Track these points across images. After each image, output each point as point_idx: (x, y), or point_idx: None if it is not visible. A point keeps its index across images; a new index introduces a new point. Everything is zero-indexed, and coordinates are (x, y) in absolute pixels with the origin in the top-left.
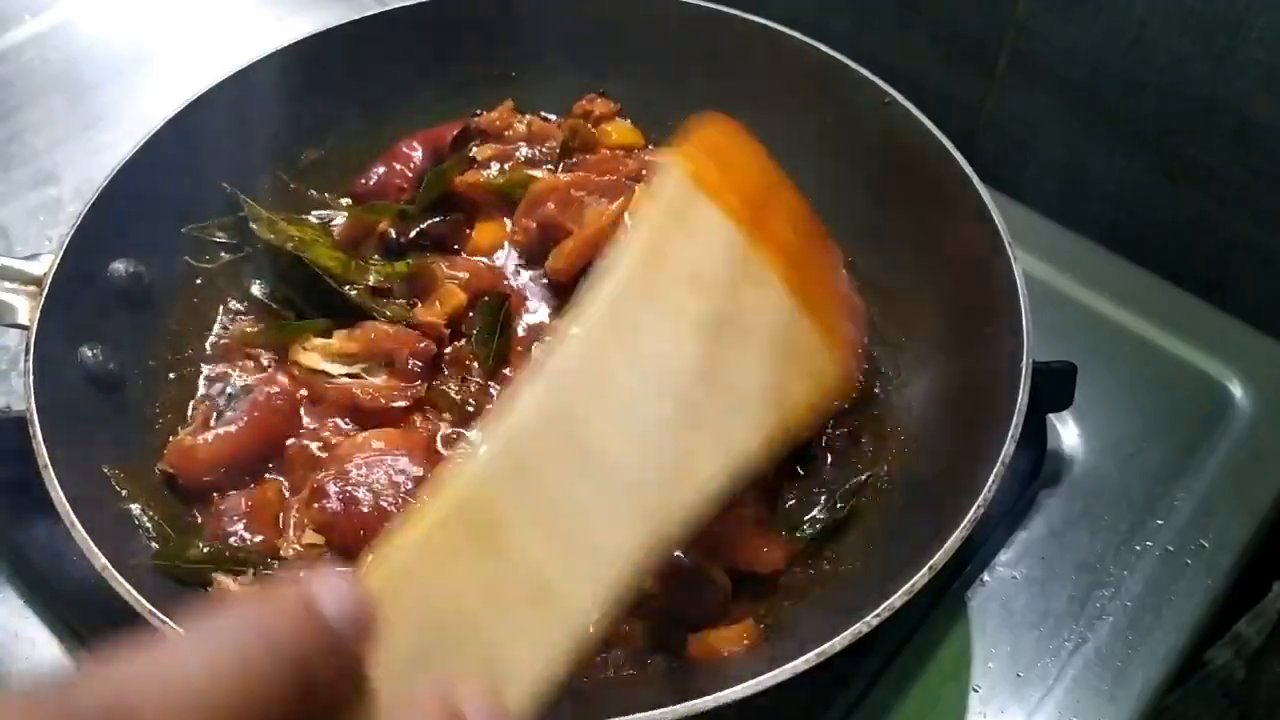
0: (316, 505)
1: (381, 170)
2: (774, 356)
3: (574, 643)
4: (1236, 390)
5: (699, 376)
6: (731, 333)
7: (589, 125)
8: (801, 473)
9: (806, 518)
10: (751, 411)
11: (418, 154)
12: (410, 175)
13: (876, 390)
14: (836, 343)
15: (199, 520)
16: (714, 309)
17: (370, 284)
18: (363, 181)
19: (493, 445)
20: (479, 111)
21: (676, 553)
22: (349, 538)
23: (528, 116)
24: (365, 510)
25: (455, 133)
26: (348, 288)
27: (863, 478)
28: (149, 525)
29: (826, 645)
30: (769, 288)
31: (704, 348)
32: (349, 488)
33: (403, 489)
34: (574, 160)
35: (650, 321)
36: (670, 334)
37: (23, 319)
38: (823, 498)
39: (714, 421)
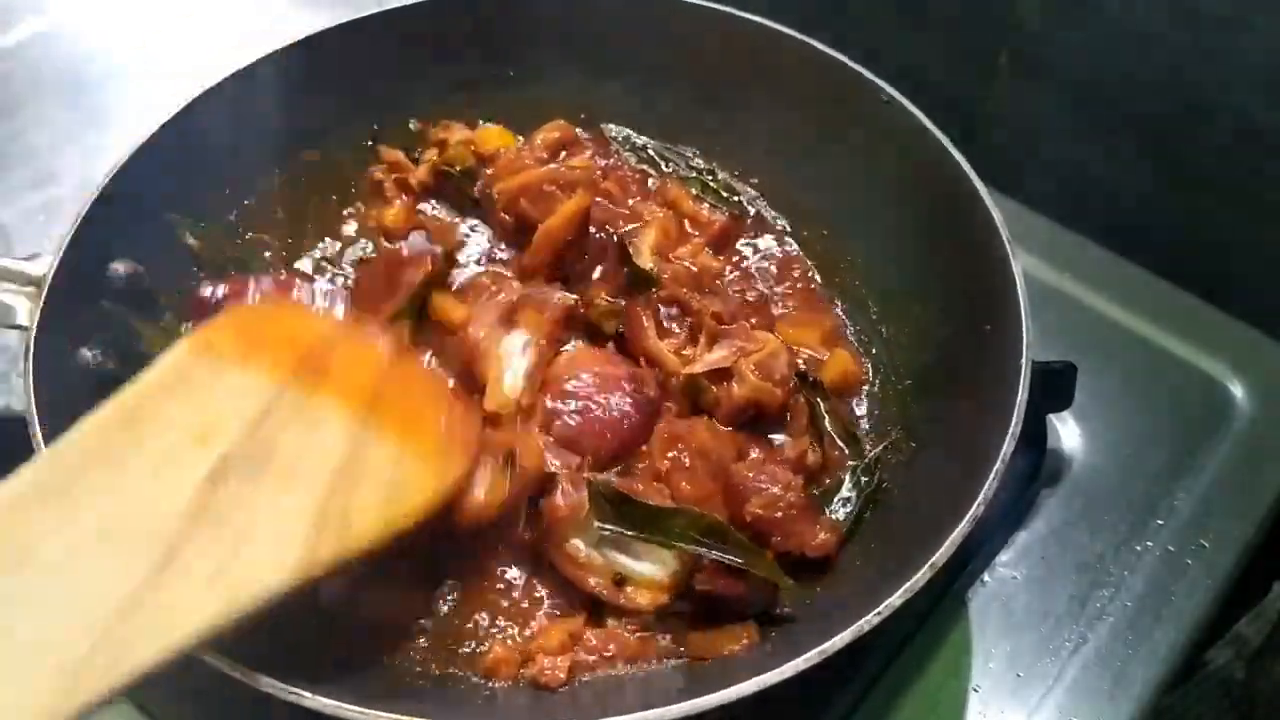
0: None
1: (228, 293)
2: (328, 485)
3: None
4: (1236, 390)
5: (195, 520)
6: (256, 474)
7: (461, 146)
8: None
9: (836, 498)
10: (282, 543)
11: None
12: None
13: (877, 389)
14: (435, 456)
15: None
16: (226, 455)
17: None
18: (204, 295)
19: None
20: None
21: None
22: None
23: (428, 154)
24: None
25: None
26: None
27: (880, 448)
28: None
29: (827, 645)
30: (324, 426)
31: (206, 495)
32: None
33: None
34: (479, 187)
35: (108, 478)
36: (146, 489)
37: (22, 320)
38: (845, 477)
39: (206, 562)
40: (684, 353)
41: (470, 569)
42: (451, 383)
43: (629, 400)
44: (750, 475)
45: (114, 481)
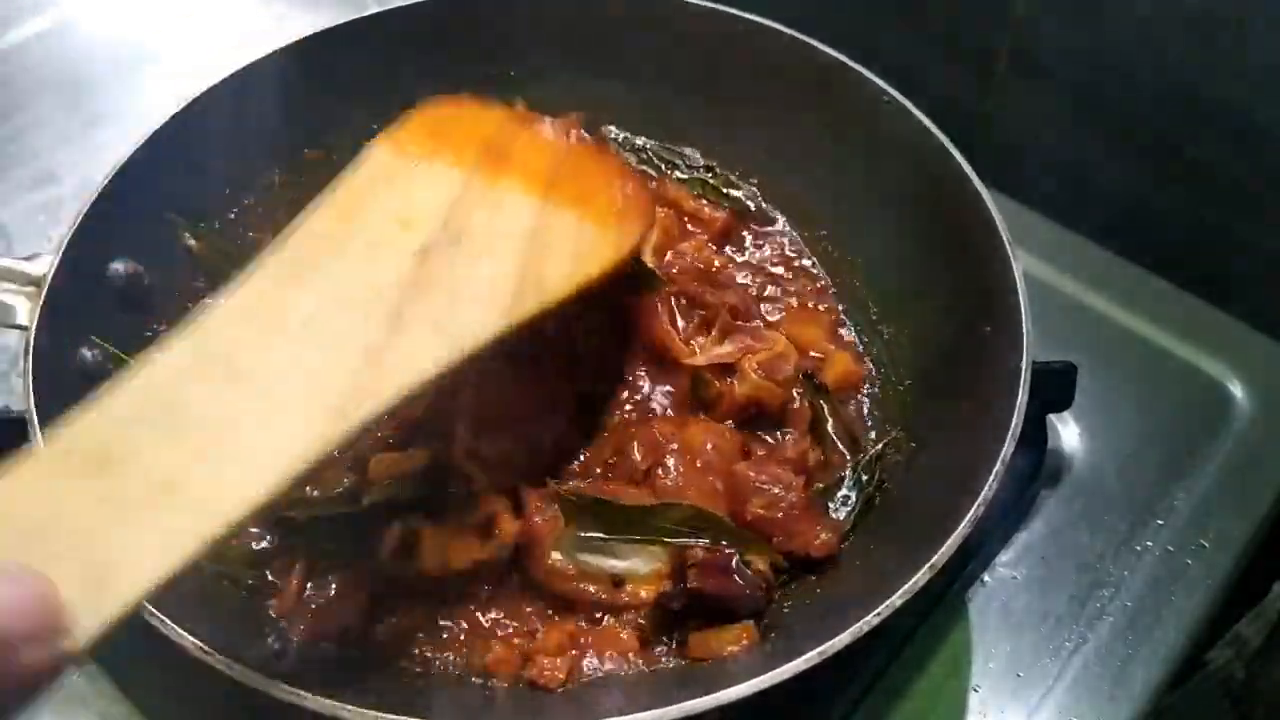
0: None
1: None
2: (521, 250)
3: (206, 533)
4: (1236, 390)
5: (413, 287)
6: (455, 245)
7: None
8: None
9: (838, 495)
10: (488, 299)
11: None
12: None
13: (877, 390)
14: (614, 218)
15: None
16: (427, 236)
17: None
18: (208, 302)
19: (123, 383)
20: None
21: (723, 544)
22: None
23: None
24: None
25: None
26: None
27: (879, 447)
28: None
29: (826, 645)
30: (509, 202)
31: (418, 268)
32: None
33: None
34: None
35: (336, 259)
36: (365, 266)
37: (22, 319)
38: (844, 476)
39: (428, 319)
40: (692, 343)
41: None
42: None
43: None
44: (752, 475)
45: (339, 261)
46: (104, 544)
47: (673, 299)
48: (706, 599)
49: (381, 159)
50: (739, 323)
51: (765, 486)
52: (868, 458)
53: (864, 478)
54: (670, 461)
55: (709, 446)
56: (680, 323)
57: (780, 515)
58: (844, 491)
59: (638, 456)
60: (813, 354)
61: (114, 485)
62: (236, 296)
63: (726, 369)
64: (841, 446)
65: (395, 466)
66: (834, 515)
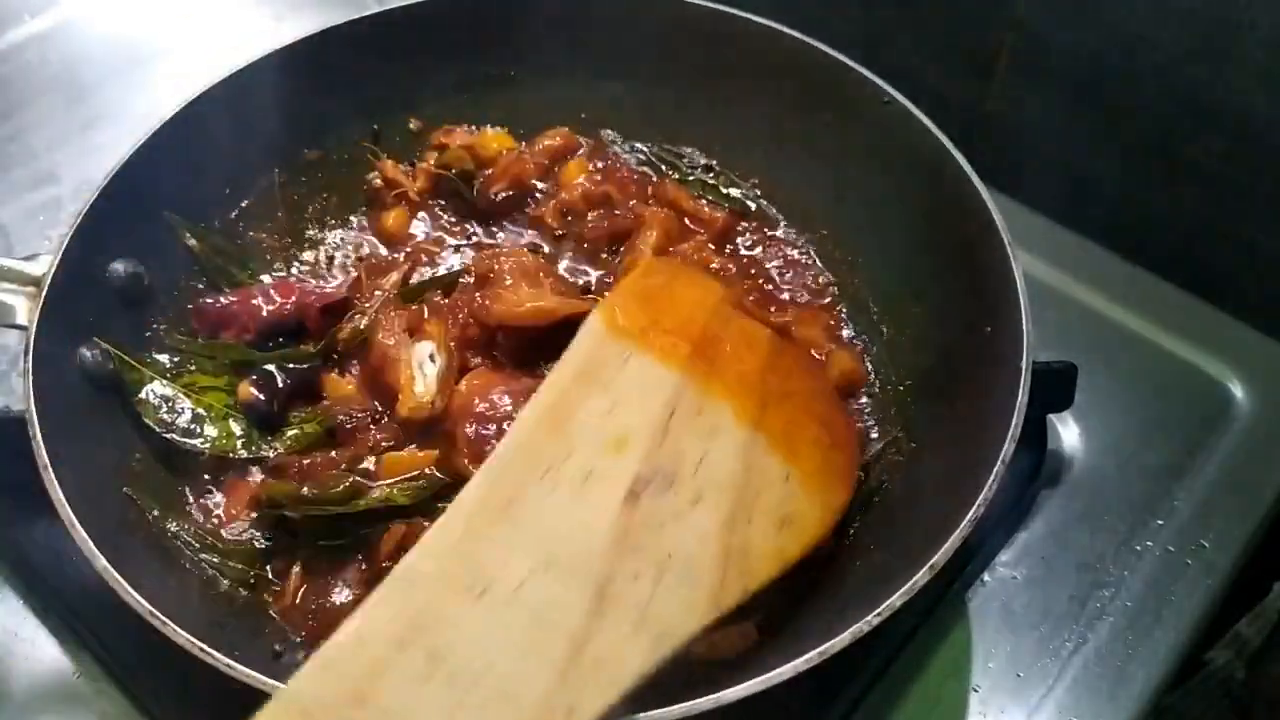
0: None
1: (233, 300)
2: (729, 509)
3: None
4: (1236, 390)
5: (622, 550)
6: (669, 493)
7: (460, 150)
8: None
9: None
10: (694, 582)
11: (272, 305)
12: (261, 317)
13: (877, 390)
14: (821, 478)
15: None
16: (641, 466)
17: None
18: (209, 302)
19: (310, 672)
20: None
21: None
22: None
23: (420, 165)
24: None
25: (323, 305)
26: None
27: (879, 446)
28: (149, 521)
29: (826, 645)
30: (721, 434)
31: (629, 516)
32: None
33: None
34: (478, 184)
35: (546, 495)
36: (581, 506)
37: (22, 319)
38: None
39: (642, 600)
40: None
41: None
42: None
43: None
44: None
45: (548, 499)
46: None
47: None
48: None
49: (595, 340)
50: None
51: None
52: (865, 459)
53: (861, 475)
54: None
55: None
56: None
57: None
58: None
59: None
60: (812, 353)
61: None
62: (448, 534)
63: None
64: None
65: (402, 466)
66: None
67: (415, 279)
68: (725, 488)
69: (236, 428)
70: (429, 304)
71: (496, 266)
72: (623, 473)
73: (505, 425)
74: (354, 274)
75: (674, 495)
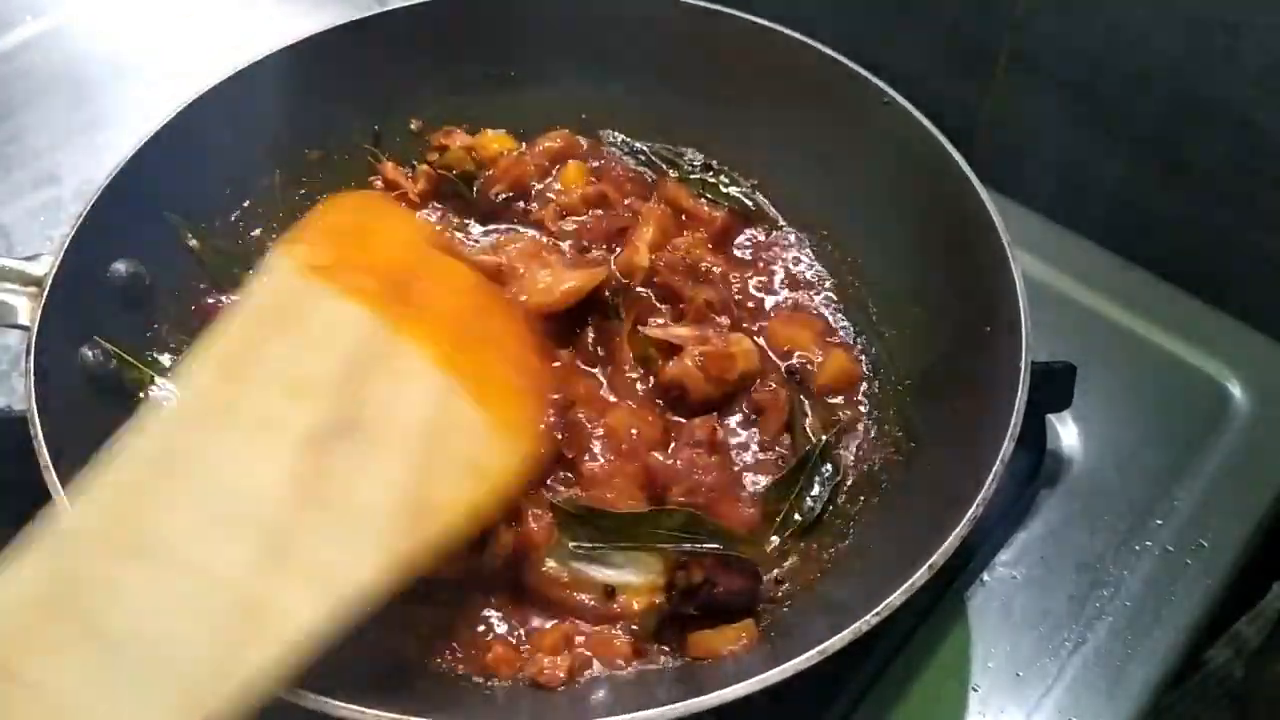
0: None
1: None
2: (415, 458)
3: None
4: (1236, 390)
5: (297, 501)
6: (351, 440)
7: (460, 151)
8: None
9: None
10: (373, 532)
11: None
12: None
13: (876, 390)
14: (513, 423)
15: None
16: (325, 416)
17: None
18: (210, 302)
19: None
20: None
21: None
22: None
23: (421, 166)
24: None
25: None
26: None
27: (825, 438)
28: None
29: (826, 644)
30: (411, 378)
31: (307, 464)
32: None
33: None
34: (479, 185)
35: (215, 447)
36: (254, 456)
37: (23, 319)
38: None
39: (314, 553)
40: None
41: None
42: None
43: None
44: (667, 464)
45: (219, 450)
46: None
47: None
48: (713, 597)
49: (279, 282)
50: (713, 315)
51: (682, 473)
52: (820, 446)
53: (863, 470)
54: (596, 448)
55: (632, 433)
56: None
57: (701, 499)
58: (812, 488)
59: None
60: (807, 353)
61: None
62: (105, 491)
63: (674, 350)
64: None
65: None
66: (809, 507)
67: None
68: (411, 434)
69: None
70: None
71: (505, 260)
72: (301, 420)
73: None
74: None
75: (356, 443)
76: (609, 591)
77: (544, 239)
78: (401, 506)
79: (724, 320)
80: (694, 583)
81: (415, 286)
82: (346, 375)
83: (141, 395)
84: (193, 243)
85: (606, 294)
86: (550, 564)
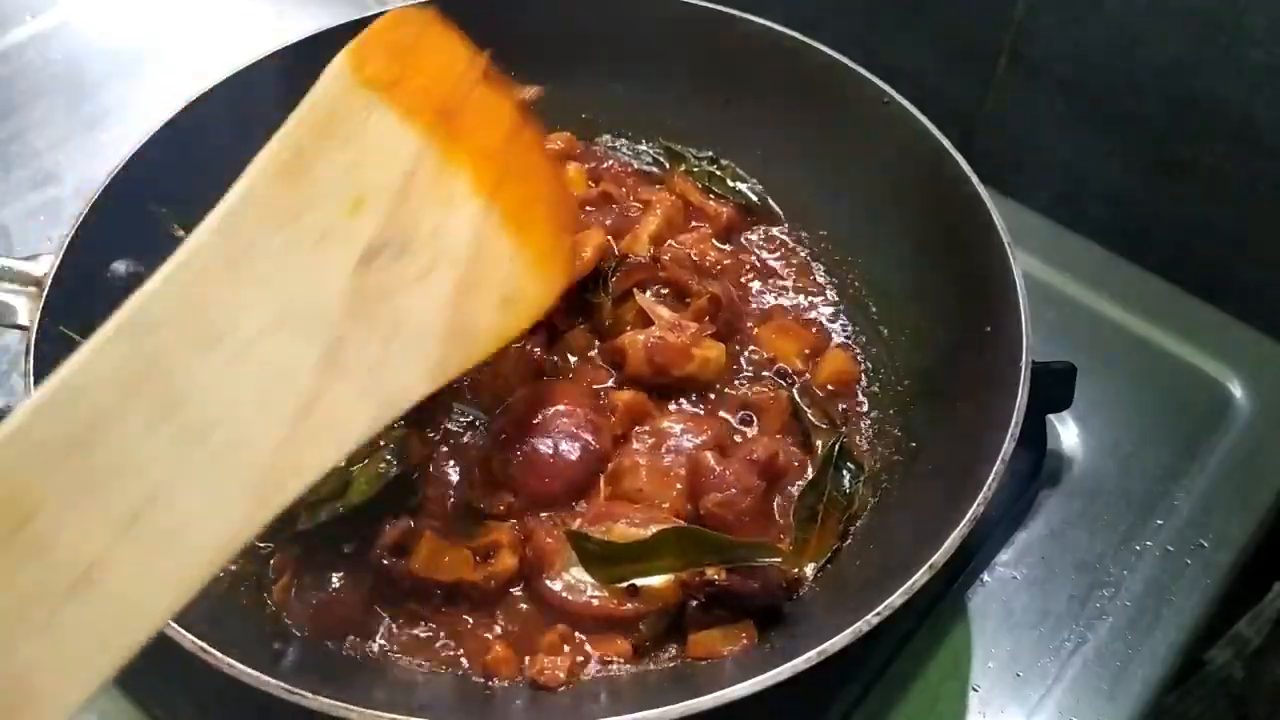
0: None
1: None
2: (457, 282)
3: (138, 630)
4: (1236, 390)
5: (353, 315)
6: (400, 261)
7: None
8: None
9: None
10: (420, 352)
11: None
12: None
13: (876, 390)
14: (543, 254)
15: None
16: (377, 231)
17: None
18: None
19: (25, 416)
20: None
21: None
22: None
23: None
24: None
25: None
26: None
27: (829, 444)
28: None
29: (826, 645)
30: (457, 204)
31: (359, 279)
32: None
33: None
34: None
35: (281, 251)
36: (316, 264)
37: (23, 319)
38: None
39: (367, 365)
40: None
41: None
42: None
43: (578, 449)
44: (717, 469)
45: (284, 255)
46: (20, 655)
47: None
48: (729, 596)
49: (339, 88)
50: (708, 319)
51: (726, 484)
52: (825, 450)
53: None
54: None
55: (679, 430)
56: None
57: (731, 517)
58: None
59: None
60: (806, 353)
61: (28, 574)
62: (160, 286)
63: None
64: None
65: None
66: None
67: None
68: (456, 260)
69: None
70: None
71: None
72: (358, 236)
73: (539, 444)
74: None
75: (406, 263)
76: (631, 589)
77: None
78: (446, 329)
79: (710, 327)
80: (716, 586)
81: (464, 115)
82: (400, 195)
83: None
84: None
85: (606, 267)
86: (567, 579)
